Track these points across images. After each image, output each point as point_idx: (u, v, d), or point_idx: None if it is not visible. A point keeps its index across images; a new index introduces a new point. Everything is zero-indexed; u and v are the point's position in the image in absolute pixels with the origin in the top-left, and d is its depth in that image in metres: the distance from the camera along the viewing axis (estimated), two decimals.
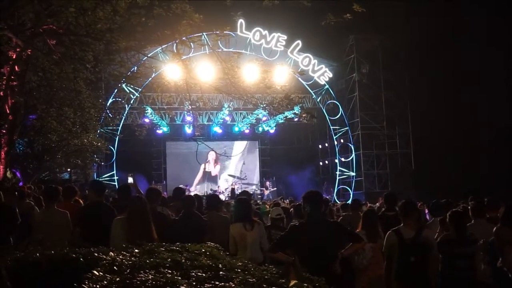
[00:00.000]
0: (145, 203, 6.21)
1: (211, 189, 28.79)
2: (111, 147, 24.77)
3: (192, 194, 17.30)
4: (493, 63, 26.87)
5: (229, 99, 25.35)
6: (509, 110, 25.35)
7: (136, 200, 6.36)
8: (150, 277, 2.54)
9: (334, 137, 29.73)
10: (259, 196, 27.49)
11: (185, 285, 2.47)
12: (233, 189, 26.70)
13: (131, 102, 24.51)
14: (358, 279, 7.44)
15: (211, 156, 30.38)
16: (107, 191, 8.95)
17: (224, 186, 29.43)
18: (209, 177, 31.08)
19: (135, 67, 13.46)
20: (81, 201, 8.74)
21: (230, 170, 31.25)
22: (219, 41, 18.37)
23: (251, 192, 25.74)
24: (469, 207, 7.70)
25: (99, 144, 20.08)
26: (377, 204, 17.28)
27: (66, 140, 18.00)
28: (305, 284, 2.79)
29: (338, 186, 29.33)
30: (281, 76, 21.58)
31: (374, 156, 29.92)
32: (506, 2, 24.95)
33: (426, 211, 11.81)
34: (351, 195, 27.44)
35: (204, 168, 30.65)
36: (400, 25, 26.68)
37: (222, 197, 22.68)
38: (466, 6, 24.94)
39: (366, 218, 7.70)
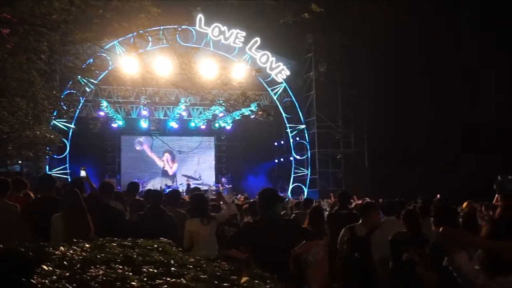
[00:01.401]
0: (79, 197, 6.14)
1: (165, 185, 28.63)
2: (65, 140, 24.34)
3: (147, 189, 17.18)
4: (450, 63, 27.41)
5: (186, 95, 25.20)
6: (465, 111, 25.88)
7: (71, 195, 6.28)
8: (100, 272, 2.52)
9: (290, 135, 29.93)
10: (213, 192, 27.45)
11: (136, 281, 2.45)
12: (188, 185, 26.61)
13: (86, 94, 24.11)
14: (310, 275, 7.53)
15: (167, 156, 30.37)
16: (58, 184, 8.76)
17: (179, 182, 29.31)
18: (165, 174, 30.92)
19: (91, 59, 13.26)
20: (31, 195, 8.56)
21: (186, 167, 31.09)
22: (177, 36, 18.25)
23: (206, 188, 25.77)
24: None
25: (52, 136, 19.66)
26: (329, 200, 17.52)
27: (18, 131, 17.56)
28: (257, 281, 2.80)
29: (293, 184, 29.54)
30: (239, 73, 21.55)
31: (329, 155, 30.25)
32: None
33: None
34: (305, 193, 27.67)
35: (161, 167, 30.60)
36: (358, 25, 26.97)
37: None
38: (423, 6, 25.37)
39: (312, 215, 7.80)
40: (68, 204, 6.07)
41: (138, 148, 30.44)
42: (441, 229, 3.80)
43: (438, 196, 13.91)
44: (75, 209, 5.99)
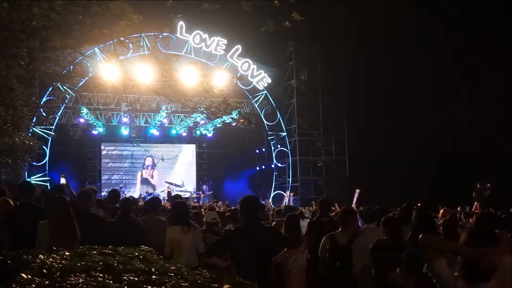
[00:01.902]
0: (67, 204, 6.11)
1: (146, 192, 28.49)
2: (44, 147, 24.13)
3: (127, 196, 17.05)
4: (431, 71, 27.74)
5: (167, 102, 25.15)
6: (444, 118, 26.19)
7: (58, 201, 6.25)
8: (80, 280, 2.50)
9: (272, 143, 29.98)
10: (195, 200, 27.36)
11: None
12: (169, 192, 26.48)
13: (66, 101, 23.93)
14: (289, 283, 7.52)
15: (148, 162, 30.26)
16: (36, 190, 8.69)
17: (160, 189, 29.17)
18: (146, 182, 30.78)
19: (71, 66, 13.17)
20: (11, 202, 8.45)
21: (167, 174, 30.96)
22: (158, 43, 18.19)
23: (187, 196, 25.68)
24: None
25: (31, 143, 19.45)
26: (311, 208, 17.57)
27: None
28: None
29: (274, 191, 29.56)
30: (220, 80, 21.54)
31: (310, 163, 30.35)
32: (445, 7, 25.86)
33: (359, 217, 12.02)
34: (287, 201, 27.68)
35: (141, 175, 30.45)
36: (339, 33, 27.19)
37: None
38: (404, 14, 25.64)
39: (287, 223, 7.80)
40: (56, 211, 6.02)
41: (119, 154, 30.24)
42: (420, 236, 3.82)
43: (419, 204, 14.01)
44: (62, 216, 5.95)
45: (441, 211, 11.62)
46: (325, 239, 6.71)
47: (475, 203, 16.51)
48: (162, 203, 14.74)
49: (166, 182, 29.67)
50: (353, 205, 14.65)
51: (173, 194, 23.18)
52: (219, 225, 8.72)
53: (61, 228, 5.80)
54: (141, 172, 30.50)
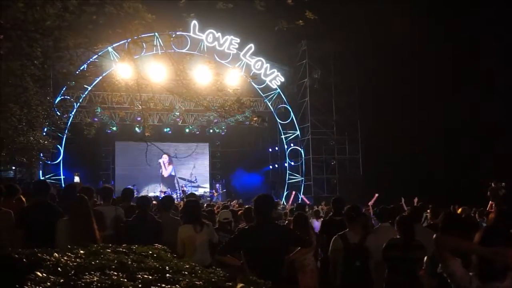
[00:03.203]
0: (88, 204, 6.13)
1: (160, 191, 28.59)
2: (58, 146, 24.27)
3: (141, 195, 17.15)
4: (446, 69, 27.55)
5: (180, 101, 25.20)
6: (458, 114, 25.97)
7: (78, 200, 6.27)
8: (95, 279, 2.50)
9: (285, 141, 29.95)
10: (208, 199, 27.42)
11: (130, 287, 2.44)
12: (183, 191, 26.57)
13: (80, 100, 24.08)
14: (303, 282, 7.50)
15: (164, 159, 30.33)
16: (52, 190, 8.72)
17: (174, 187, 29.29)
18: (160, 180, 30.87)
19: (85, 65, 13.24)
20: (24, 200, 8.50)
21: (181, 172, 31.07)
22: (171, 42, 18.21)
23: (201, 194, 25.76)
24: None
25: (45, 142, 19.60)
26: (320, 207, 17.52)
27: (11, 137, 17.51)
28: (252, 287, 2.80)
29: (287, 190, 29.52)
30: (233, 79, 21.55)
31: (324, 161, 30.26)
32: (453, 8, 25.66)
33: (372, 216, 11.99)
34: (300, 200, 27.65)
35: (156, 174, 30.56)
36: (352, 32, 27.08)
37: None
38: (415, 12, 25.52)
39: (296, 222, 7.78)
40: (76, 210, 6.05)
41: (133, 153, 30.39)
42: (434, 235, 3.80)
43: (416, 200, 13.87)
44: (83, 215, 5.97)
45: (459, 210, 11.55)
46: (335, 238, 6.67)
47: (490, 202, 16.41)
48: (176, 202, 14.80)
49: (179, 178, 29.81)
50: (369, 204, 14.66)
51: (189, 192, 23.26)
52: (232, 224, 8.73)
53: (80, 227, 5.82)
54: (155, 170, 30.56)
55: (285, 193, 29.26)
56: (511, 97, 25.08)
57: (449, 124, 26.96)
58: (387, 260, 6.42)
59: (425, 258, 5.42)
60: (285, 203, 25.31)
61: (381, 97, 28.57)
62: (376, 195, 15.58)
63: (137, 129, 28.09)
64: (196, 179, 29.82)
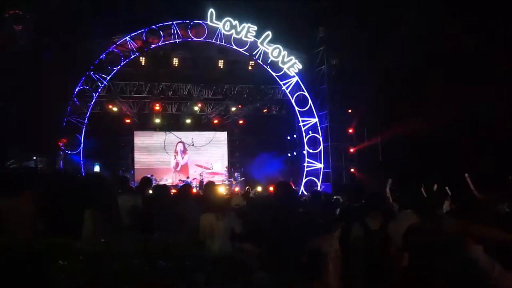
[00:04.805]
0: (114, 193, 6.18)
1: (179, 180, 28.72)
2: (78, 136, 24.47)
3: (159, 184, 17.25)
4: (461, 55, 27.23)
5: (198, 89, 25.25)
6: (481, 104, 25.67)
7: (105, 190, 6.32)
8: (116, 267, 2.52)
9: (303, 129, 29.87)
10: (227, 187, 27.52)
11: (151, 275, 2.46)
12: (201, 181, 26.67)
13: (99, 90, 24.23)
14: (325, 269, 7.50)
15: (179, 147, 30.43)
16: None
17: (192, 177, 29.40)
18: (178, 168, 31.00)
19: (104, 55, 13.32)
20: (45, 190, 8.56)
21: (198, 161, 31.16)
22: (189, 31, 18.24)
23: (221, 181, 25.87)
24: None
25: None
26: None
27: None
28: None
29: (306, 178, 29.49)
30: (251, 67, 21.54)
31: (343, 148, 30.16)
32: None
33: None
34: (319, 187, 27.63)
35: (173, 162, 30.68)
36: (371, 18, 26.87)
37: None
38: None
39: (323, 208, 7.78)
40: (102, 200, 6.10)
41: (151, 142, 30.53)
42: (455, 222, 3.78)
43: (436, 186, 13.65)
44: (108, 205, 6.03)
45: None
46: (355, 226, 6.65)
47: None
48: (195, 190, 14.85)
49: (196, 165, 29.98)
50: (387, 190, 14.53)
51: (205, 182, 23.37)
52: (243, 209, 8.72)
53: (106, 216, 5.87)
54: (173, 159, 30.68)
55: (303, 181, 29.23)
56: None
57: (472, 111, 26.67)
58: (407, 246, 6.39)
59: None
60: (303, 192, 25.34)
61: (401, 82, 28.33)
62: (390, 180, 15.34)
63: (155, 118, 28.27)
64: (212, 166, 29.94)
